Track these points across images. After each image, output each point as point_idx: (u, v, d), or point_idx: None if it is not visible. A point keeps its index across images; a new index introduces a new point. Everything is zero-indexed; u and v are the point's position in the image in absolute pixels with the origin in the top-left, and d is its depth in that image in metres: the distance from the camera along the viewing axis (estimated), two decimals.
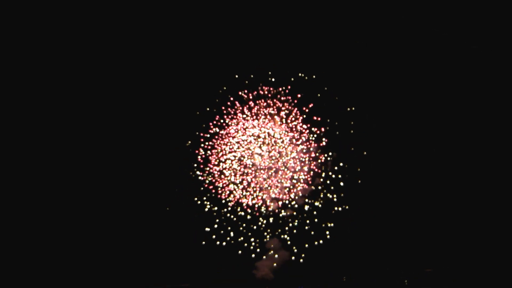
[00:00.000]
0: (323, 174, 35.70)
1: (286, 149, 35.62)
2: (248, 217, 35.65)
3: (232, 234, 35.58)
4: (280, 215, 35.80)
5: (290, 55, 35.54)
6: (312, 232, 35.35)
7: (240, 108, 35.50)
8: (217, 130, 36.02)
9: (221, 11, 36.24)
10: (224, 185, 35.73)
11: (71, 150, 37.12)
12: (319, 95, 34.85)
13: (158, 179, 37.10)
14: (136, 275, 35.52)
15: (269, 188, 35.30)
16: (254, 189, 35.52)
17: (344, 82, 35.18)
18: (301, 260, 35.78)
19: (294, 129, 35.42)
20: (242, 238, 35.61)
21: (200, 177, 36.46)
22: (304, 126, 35.42)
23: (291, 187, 35.40)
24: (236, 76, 35.70)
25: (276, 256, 35.86)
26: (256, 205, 35.90)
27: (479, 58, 33.36)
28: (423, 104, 36.14)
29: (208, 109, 36.36)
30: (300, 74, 35.23)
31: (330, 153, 35.28)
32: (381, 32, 35.17)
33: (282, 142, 35.36)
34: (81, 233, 35.87)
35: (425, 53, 34.69)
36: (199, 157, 36.10)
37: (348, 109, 35.22)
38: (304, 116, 35.30)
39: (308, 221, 35.51)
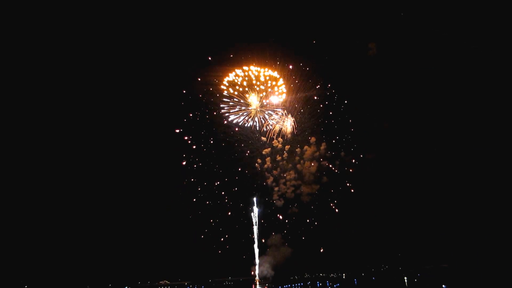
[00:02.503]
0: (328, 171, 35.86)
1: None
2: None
3: (232, 232, 35.88)
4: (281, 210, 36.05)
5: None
6: (313, 229, 35.71)
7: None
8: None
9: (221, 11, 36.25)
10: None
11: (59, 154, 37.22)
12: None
13: (157, 179, 37.28)
14: (136, 275, 35.83)
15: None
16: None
17: (344, 83, 35.32)
18: (302, 257, 36.15)
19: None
20: (243, 234, 35.92)
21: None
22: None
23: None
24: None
25: (277, 252, 36.26)
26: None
27: (479, 58, 33.54)
28: (423, 103, 36.34)
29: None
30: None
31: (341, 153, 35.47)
32: (381, 32, 35.30)
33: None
34: (81, 234, 36.10)
35: (425, 53, 34.87)
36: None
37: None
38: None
39: (310, 221, 35.85)
